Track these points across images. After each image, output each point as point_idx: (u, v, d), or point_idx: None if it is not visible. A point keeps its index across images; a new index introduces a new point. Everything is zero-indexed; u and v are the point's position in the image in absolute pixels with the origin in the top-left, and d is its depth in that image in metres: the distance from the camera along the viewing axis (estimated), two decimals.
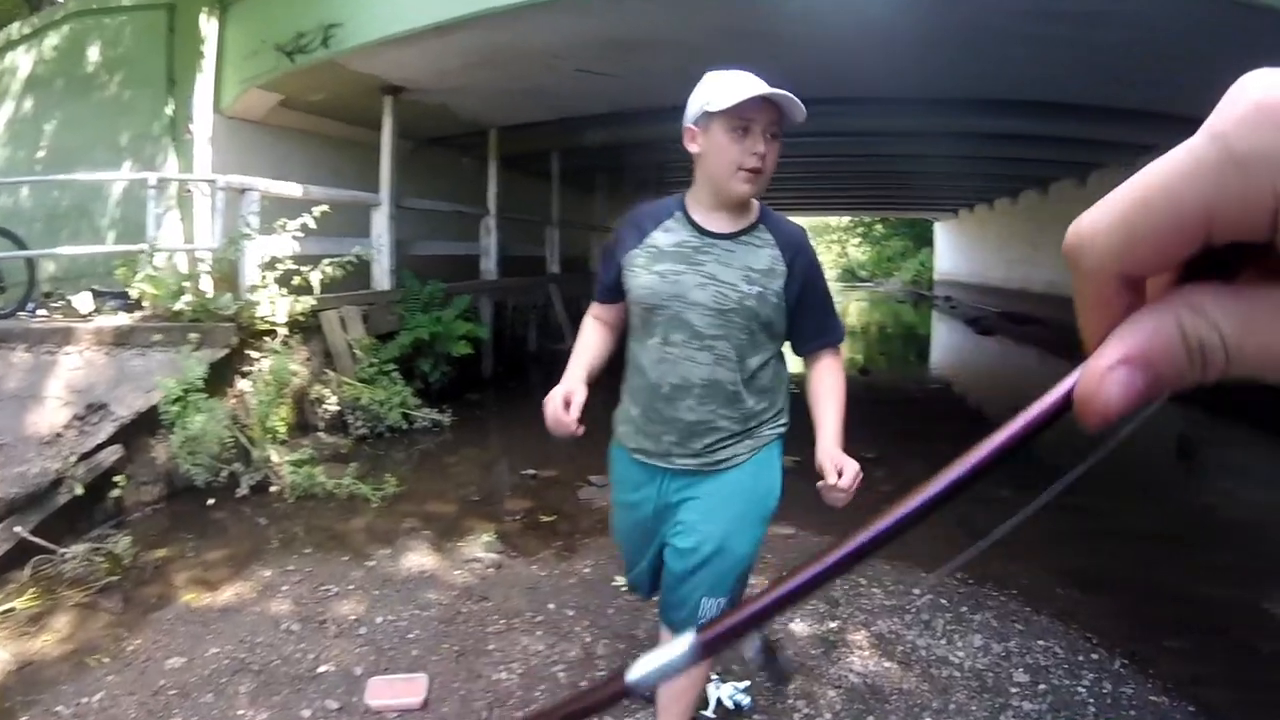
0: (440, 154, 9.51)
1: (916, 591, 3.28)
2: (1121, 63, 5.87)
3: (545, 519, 4.16)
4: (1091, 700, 2.45)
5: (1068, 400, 0.23)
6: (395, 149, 7.32)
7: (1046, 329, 12.73)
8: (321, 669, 2.57)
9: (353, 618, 2.91)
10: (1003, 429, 0.24)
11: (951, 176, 12.48)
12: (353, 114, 7.70)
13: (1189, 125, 0.22)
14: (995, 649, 2.83)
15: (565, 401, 1.70)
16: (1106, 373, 0.22)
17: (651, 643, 2.73)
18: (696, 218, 1.75)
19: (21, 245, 5.63)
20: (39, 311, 5.65)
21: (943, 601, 3.18)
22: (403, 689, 2.38)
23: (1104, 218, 0.22)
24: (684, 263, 1.72)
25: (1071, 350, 0.24)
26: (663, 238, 1.76)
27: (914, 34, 5.53)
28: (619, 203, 17.27)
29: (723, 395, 1.73)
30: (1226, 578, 3.60)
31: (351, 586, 3.18)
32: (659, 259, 1.74)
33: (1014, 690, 2.52)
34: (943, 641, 2.87)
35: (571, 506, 4.38)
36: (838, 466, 1.66)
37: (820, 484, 1.68)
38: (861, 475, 1.66)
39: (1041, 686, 2.55)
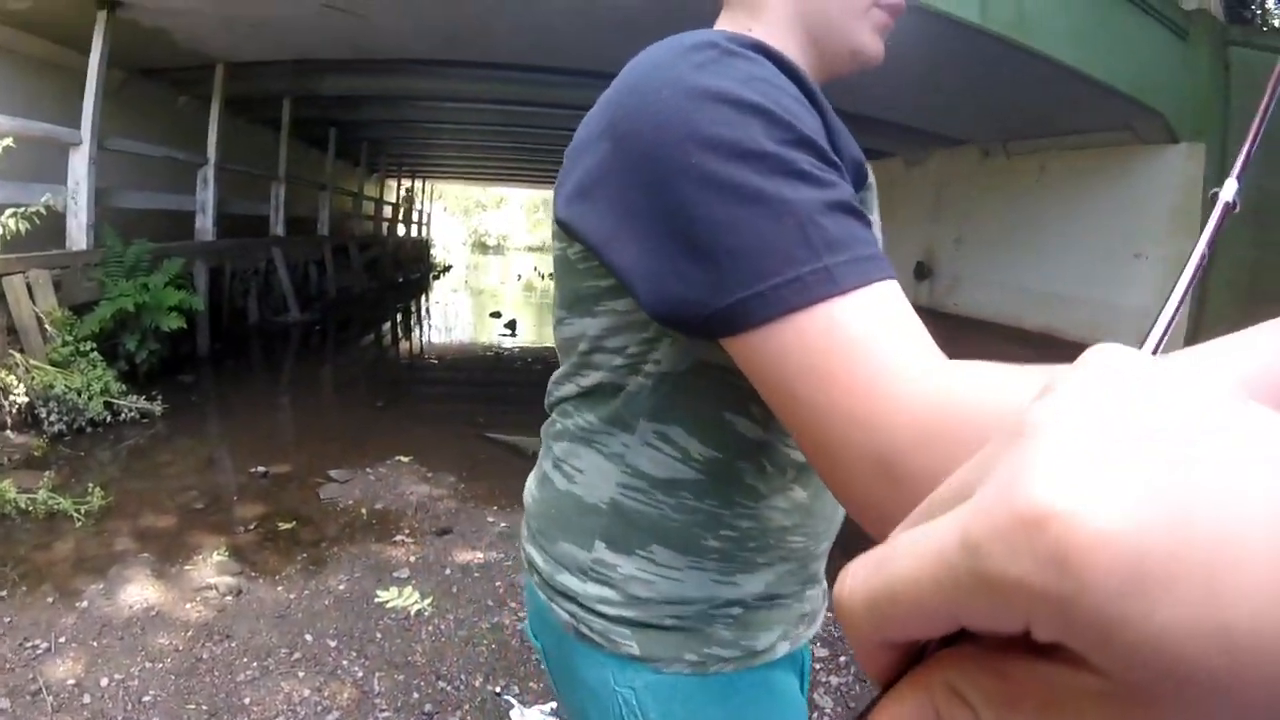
0: (155, 89, 8.19)
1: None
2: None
3: (284, 526, 3.77)
4: None
5: None
6: (103, 78, 6.13)
7: None
8: None
9: (71, 682, 2.45)
10: None
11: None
12: (60, 30, 6.36)
13: None
14: None
15: None
16: None
17: (431, 667, 2.66)
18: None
19: None
20: None
21: None
22: None
23: (861, 589, 0.20)
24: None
25: None
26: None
27: None
28: (351, 162, 15.90)
29: None
30: None
31: (64, 639, 2.68)
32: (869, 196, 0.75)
33: None
34: None
35: (312, 509, 4.02)
36: None
37: None
38: None
39: None
